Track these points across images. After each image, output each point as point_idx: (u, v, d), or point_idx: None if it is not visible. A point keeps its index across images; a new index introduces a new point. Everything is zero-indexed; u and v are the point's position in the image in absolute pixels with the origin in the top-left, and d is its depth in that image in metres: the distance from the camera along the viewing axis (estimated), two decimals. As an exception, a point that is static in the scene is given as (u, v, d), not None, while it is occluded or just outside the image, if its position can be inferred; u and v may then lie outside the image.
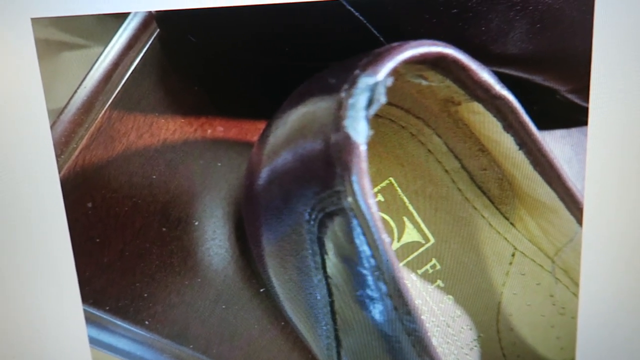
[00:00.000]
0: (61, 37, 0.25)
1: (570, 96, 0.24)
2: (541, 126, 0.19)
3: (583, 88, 0.22)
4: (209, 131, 0.25)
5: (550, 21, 0.20)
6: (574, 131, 0.26)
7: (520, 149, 0.20)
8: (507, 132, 0.20)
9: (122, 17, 0.24)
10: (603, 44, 0.21)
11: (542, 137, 0.19)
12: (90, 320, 0.24)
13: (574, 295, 0.23)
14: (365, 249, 0.17)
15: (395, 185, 0.24)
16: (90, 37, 0.25)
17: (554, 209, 0.21)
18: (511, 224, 0.24)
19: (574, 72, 0.22)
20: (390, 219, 0.24)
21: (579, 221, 0.21)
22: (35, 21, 0.21)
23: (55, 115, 0.24)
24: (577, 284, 0.23)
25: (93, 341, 0.24)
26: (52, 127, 0.23)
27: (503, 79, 0.18)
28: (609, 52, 0.21)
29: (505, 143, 0.20)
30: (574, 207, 0.21)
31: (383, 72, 0.16)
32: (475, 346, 0.24)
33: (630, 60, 0.21)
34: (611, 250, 0.23)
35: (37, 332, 0.24)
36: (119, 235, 0.24)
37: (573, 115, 0.25)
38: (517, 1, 0.20)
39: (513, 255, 0.24)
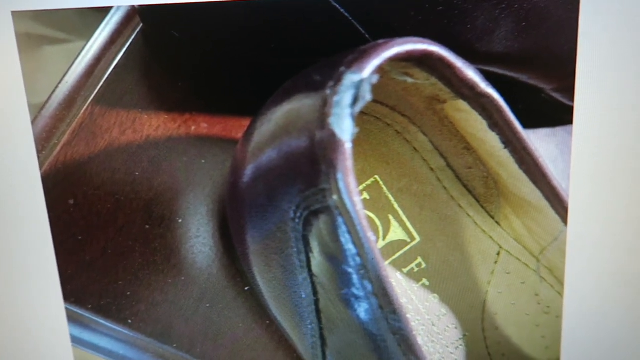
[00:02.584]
0: (43, 31, 0.24)
1: (555, 95, 0.24)
2: (526, 125, 0.19)
3: (568, 87, 0.22)
4: (193, 128, 0.25)
5: (536, 20, 0.20)
6: (559, 130, 0.27)
7: (505, 147, 0.20)
8: (493, 131, 0.20)
9: (104, 11, 0.24)
10: (588, 43, 0.21)
11: (528, 136, 0.20)
12: (72, 318, 0.24)
13: (559, 294, 0.23)
14: (350, 247, 0.17)
15: (381, 183, 0.24)
16: (72, 32, 0.25)
17: (539, 208, 0.21)
18: (496, 222, 0.24)
19: (559, 71, 0.22)
20: (375, 217, 0.24)
21: (564, 220, 0.21)
22: (17, 14, 0.21)
23: (36, 111, 0.23)
24: (562, 283, 0.23)
25: (75, 340, 0.24)
26: (33, 122, 0.23)
27: (488, 77, 0.19)
28: (594, 51, 0.21)
29: (490, 141, 0.20)
30: (559, 206, 0.21)
31: (368, 70, 0.16)
32: (461, 345, 0.24)
33: (615, 59, 0.21)
34: (596, 249, 0.23)
35: (17, 331, 0.23)
36: (102, 232, 0.24)
37: (558, 114, 0.25)
38: (503, -1, 0.20)
39: (498, 254, 0.24)
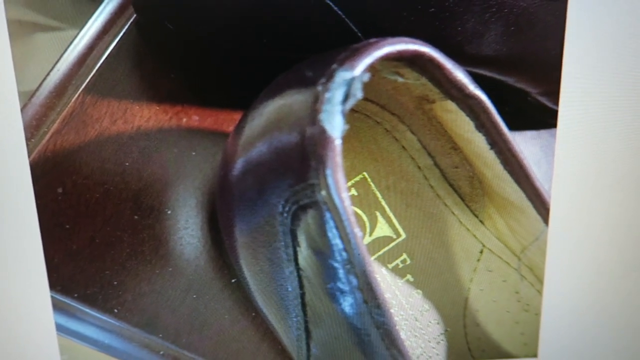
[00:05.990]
0: (34, 18, 0.24)
1: (541, 98, 0.24)
2: (512, 127, 0.20)
3: (554, 91, 0.22)
4: (184, 120, 0.25)
5: (525, 24, 0.21)
6: (544, 133, 0.27)
7: (491, 148, 0.20)
8: (479, 132, 0.20)
9: (97, 0, 0.24)
10: (574, 48, 0.21)
11: (513, 138, 0.20)
12: (57, 307, 0.23)
13: (539, 292, 0.24)
14: (337, 242, 0.17)
15: (369, 180, 0.24)
16: (65, 20, 0.25)
17: (522, 208, 0.22)
18: (480, 221, 0.24)
19: (545, 75, 0.23)
20: (362, 213, 0.25)
21: (545, 220, 0.21)
22: (8, 1, 0.21)
23: (26, 98, 0.23)
24: (541, 282, 0.23)
25: (60, 328, 0.24)
26: (22, 109, 0.23)
27: (477, 79, 0.19)
28: (579, 56, 0.22)
29: (476, 142, 0.21)
30: (541, 206, 0.21)
31: (360, 68, 0.16)
32: (442, 340, 0.24)
33: (600, 64, 0.22)
34: (575, 249, 0.23)
35: (2, 319, 0.23)
36: (90, 222, 0.23)
37: (543, 118, 0.25)
38: (493, 4, 0.20)
39: (481, 252, 0.24)
